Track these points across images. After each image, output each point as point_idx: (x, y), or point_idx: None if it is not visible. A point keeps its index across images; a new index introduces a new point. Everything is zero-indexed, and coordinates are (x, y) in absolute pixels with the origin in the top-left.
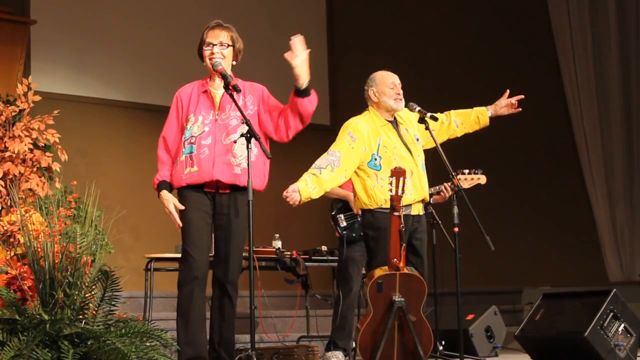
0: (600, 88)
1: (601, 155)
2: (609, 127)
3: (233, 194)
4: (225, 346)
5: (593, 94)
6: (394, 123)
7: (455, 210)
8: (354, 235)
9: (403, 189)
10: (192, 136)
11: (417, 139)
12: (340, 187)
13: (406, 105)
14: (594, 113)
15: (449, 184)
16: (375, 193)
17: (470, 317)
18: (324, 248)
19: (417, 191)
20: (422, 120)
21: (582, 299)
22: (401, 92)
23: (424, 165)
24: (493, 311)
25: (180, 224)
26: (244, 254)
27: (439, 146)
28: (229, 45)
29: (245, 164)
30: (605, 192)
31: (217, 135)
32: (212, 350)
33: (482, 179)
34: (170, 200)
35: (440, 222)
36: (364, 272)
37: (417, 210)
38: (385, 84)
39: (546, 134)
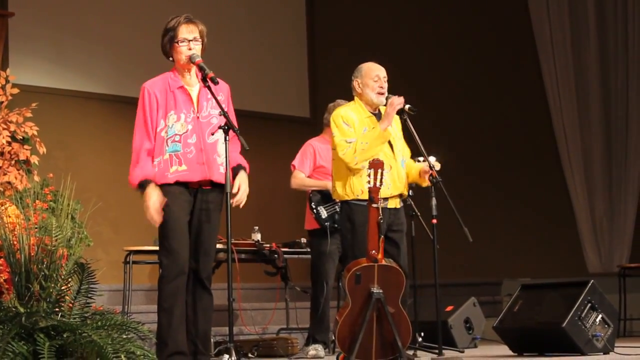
0: (579, 81)
1: (580, 147)
2: (588, 121)
3: (215, 189)
4: (202, 339)
5: (572, 88)
6: (378, 116)
7: (434, 202)
8: (336, 226)
9: (381, 181)
10: (175, 134)
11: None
12: (310, 177)
13: (386, 98)
14: (573, 106)
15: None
16: (352, 183)
17: (449, 308)
18: (304, 240)
19: (394, 185)
20: (400, 112)
21: (560, 290)
22: (385, 85)
23: (404, 163)
24: (472, 302)
25: (159, 222)
26: (223, 247)
27: (417, 138)
28: (200, 40)
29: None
30: (584, 184)
31: (201, 134)
32: (189, 343)
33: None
34: (157, 197)
35: (419, 213)
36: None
37: (394, 204)
38: (370, 76)
39: (526, 127)
